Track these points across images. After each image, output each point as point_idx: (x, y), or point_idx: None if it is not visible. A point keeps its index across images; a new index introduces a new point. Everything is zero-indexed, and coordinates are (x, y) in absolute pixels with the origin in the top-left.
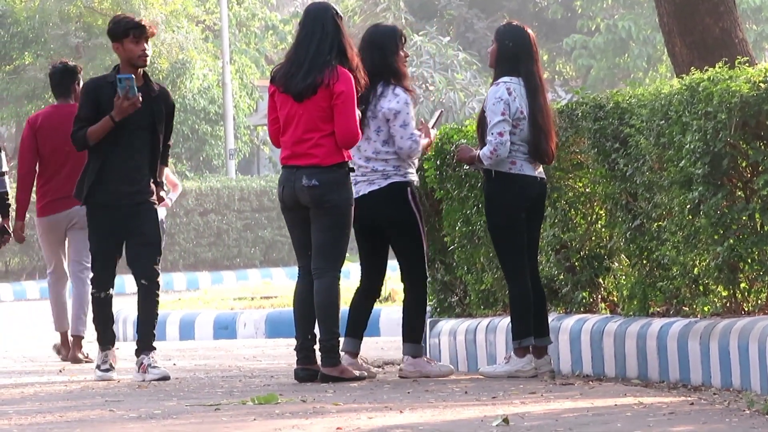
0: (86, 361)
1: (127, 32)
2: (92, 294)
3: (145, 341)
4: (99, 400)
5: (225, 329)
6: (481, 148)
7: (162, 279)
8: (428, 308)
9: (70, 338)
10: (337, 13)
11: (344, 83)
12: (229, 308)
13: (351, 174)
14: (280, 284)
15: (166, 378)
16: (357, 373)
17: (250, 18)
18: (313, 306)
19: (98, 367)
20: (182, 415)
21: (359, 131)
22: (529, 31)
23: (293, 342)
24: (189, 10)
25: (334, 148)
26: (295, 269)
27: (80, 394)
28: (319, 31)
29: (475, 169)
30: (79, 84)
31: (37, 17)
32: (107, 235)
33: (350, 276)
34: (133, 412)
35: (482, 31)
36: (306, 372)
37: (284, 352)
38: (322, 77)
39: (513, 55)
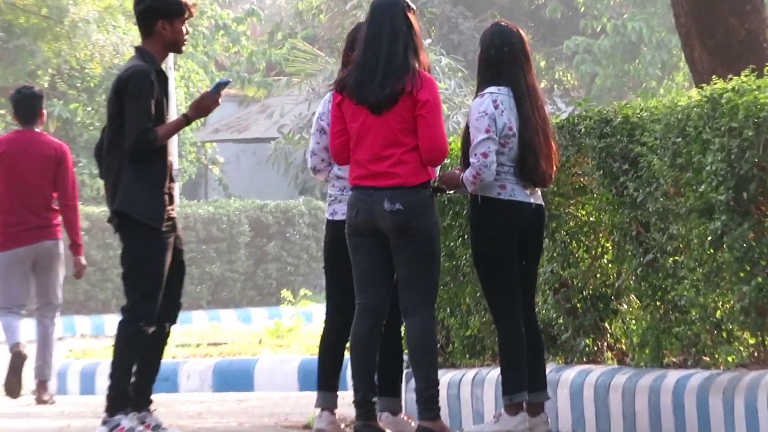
0: (51, 403)
1: (184, 11)
2: (144, 329)
3: (149, 395)
4: None
5: (165, 381)
6: (465, 170)
7: (91, 322)
8: (404, 356)
9: (35, 381)
10: (408, 5)
11: (429, 90)
12: (171, 356)
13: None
14: (230, 328)
15: None
16: None
17: (197, 16)
18: (374, 352)
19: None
20: None
21: (447, 145)
22: (520, 32)
23: (244, 396)
24: (126, 6)
25: (419, 164)
26: (248, 311)
27: None
28: (387, 28)
29: (460, 194)
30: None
31: None
32: (166, 259)
33: (312, 319)
34: None
35: (469, 32)
36: (369, 429)
37: (234, 408)
38: (403, 84)
39: (499, 60)
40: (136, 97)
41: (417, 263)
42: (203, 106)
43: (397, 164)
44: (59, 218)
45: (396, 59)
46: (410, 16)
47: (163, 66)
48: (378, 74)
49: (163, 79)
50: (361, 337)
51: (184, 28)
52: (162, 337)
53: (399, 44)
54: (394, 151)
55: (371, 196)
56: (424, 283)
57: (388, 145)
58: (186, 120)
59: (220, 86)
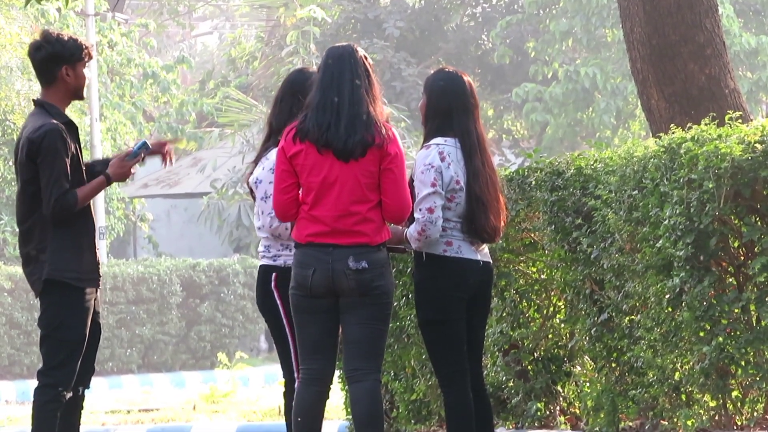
0: None
1: (84, 54)
2: (63, 394)
3: None
4: None
5: None
6: (409, 226)
7: (16, 387)
8: (346, 423)
9: None
10: (365, 55)
11: (396, 144)
12: (100, 424)
13: None
14: (163, 394)
15: None
16: None
17: (124, 64)
18: (321, 420)
19: None
20: None
21: (411, 203)
22: (467, 78)
23: None
24: None
25: (381, 222)
26: (181, 375)
27: None
28: (348, 72)
29: (404, 251)
30: None
31: None
32: (87, 322)
33: (249, 384)
34: None
35: (412, 79)
36: None
37: None
38: (372, 135)
39: (446, 109)
40: (52, 158)
41: (372, 324)
42: (126, 167)
43: (362, 222)
44: None
45: (360, 104)
46: (368, 64)
47: (80, 119)
48: (343, 117)
49: (73, 129)
50: (311, 405)
51: (85, 72)
52: (76, 403)
53: (361, 89)
54: (360, 208)
55: (330, 254)
56: (375, 345)
57: (356, 201)
58: (106, 180)
59: (141, 147)
